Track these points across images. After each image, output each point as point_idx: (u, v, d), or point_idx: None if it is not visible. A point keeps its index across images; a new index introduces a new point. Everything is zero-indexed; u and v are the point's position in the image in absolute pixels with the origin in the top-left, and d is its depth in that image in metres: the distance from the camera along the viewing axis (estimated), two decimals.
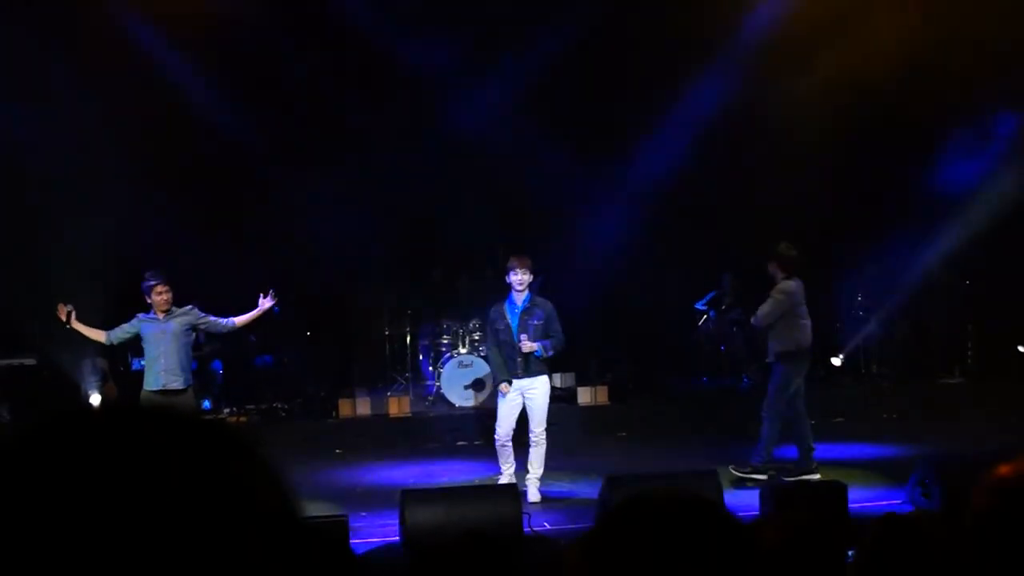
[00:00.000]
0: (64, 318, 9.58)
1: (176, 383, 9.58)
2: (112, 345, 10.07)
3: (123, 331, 9.79)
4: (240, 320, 10.03)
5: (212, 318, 9.92)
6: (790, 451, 10.48)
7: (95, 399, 12.49)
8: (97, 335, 9.80)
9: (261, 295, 10.02)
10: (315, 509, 9.04)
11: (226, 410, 13.65)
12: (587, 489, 9.92)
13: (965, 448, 10.52)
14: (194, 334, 10.09)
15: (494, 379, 10.66)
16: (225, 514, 0.99)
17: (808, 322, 10.29)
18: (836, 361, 14.64)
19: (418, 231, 15.59)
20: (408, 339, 14.66)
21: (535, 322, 9.69)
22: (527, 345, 9.61)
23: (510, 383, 9.76)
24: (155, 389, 9.56)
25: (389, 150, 15.03)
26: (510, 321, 9.76)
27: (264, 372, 14.42)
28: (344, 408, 13.59)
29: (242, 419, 13.40)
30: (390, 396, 13.97)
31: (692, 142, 14.99)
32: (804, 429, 10.29)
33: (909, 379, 15.01)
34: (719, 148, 15.16)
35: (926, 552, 2.71)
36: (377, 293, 14.87)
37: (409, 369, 14.60)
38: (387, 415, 13.62)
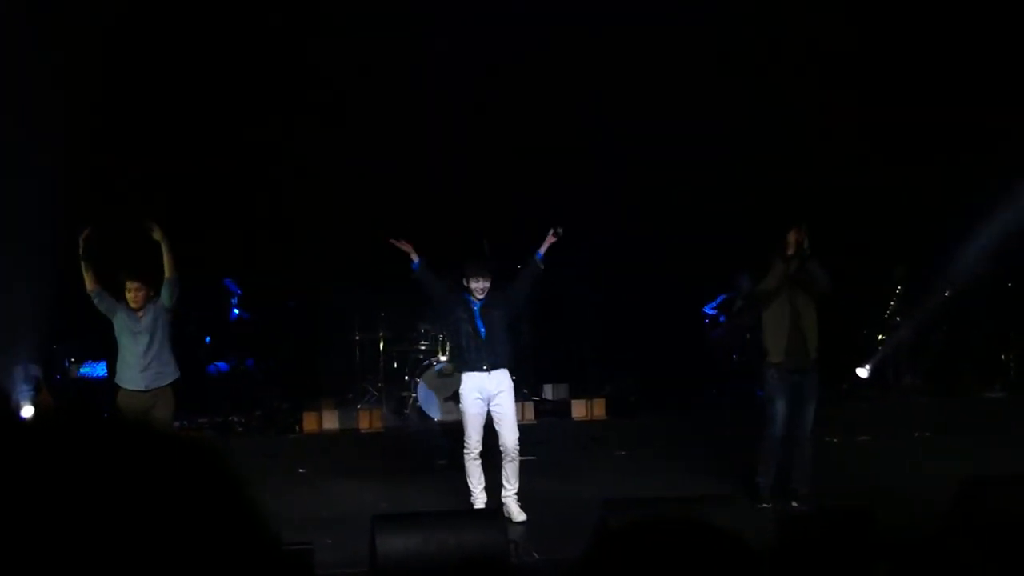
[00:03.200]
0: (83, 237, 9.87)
1: (160, 381, 10.09)
2: (92, 298, 10.10)
3: (106, 300, 10.05)
4: (167, 270, 10.07)
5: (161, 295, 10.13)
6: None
7: (27, 410, 12.42)
8: (88, 277, 9.98)
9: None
10: None
11: (175, 423, 13.58)
12: (581, 515, 9.86)
13: (1008, 470, 10.50)
14: (169, 316, 10.26)
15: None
16: (186, 540, 1.00)
17: None
18: (862, 372, 14.64)
19: (394, 222, 15.52)
20: (381, 345, 14.65)
21: (499, 311, 10.10)
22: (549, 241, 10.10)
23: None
24: (136, 389, 9.97)
25: (361, 120, 15.03)
26: (474, 309, 10.13)
27: (218, 380, 14.37)
28: (309, 422, 13.56)
29: (192, 434, 13.31)
30: (360, 409, 13.97)
31: (705, 130, 15.02)
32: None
33: (945, 393, 15.01)
34: (735, 134, 15.16)
35: None
36: (346, 292, 14.83)
37: (382, 379, 14.59)
38: (357, 430, 13.60)
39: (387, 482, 11.98)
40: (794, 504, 10.27)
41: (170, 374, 10.16)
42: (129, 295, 9.95)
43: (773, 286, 10.36)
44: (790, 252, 10.26)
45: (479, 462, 10.10)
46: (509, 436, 10.03)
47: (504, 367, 10.14)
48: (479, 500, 10.09)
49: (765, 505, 10.33)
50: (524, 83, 14.84)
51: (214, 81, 14.40)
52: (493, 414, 10.09)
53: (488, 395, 10.05)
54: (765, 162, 15.06)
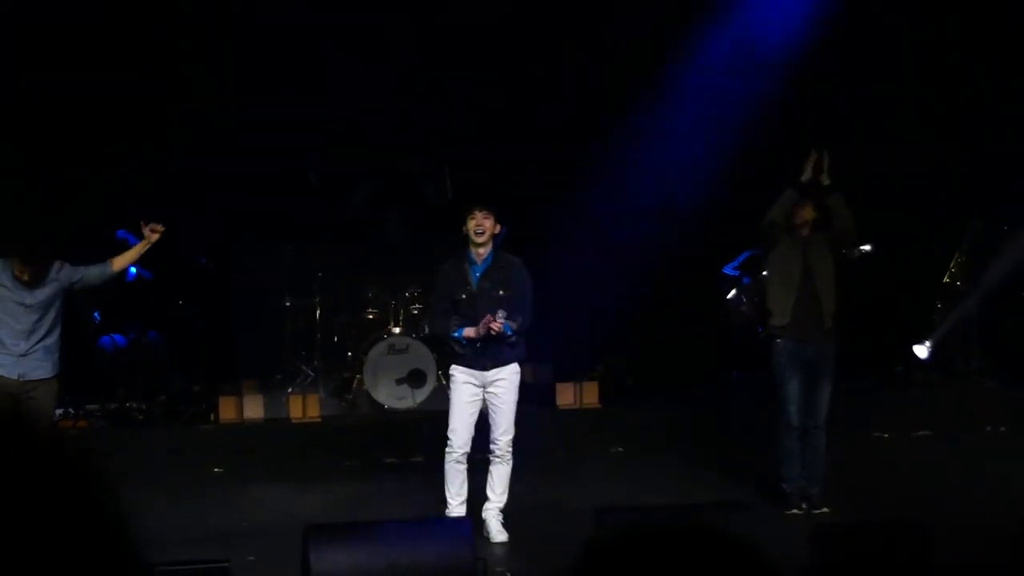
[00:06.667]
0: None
1: (40, 371, 9.80)
2: None
3: None
4: (118, 262, 10.26)
5: (84, 269, 10.06)
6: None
7: None
8: None
9: (143, 224, 10.23)
10: (185, 552, 8.98)
11: (58, 411, 13.51)
12: (567, 526, 9.91)
13: None
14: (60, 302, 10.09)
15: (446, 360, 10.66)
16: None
17: None
18: (921, 351, 14.62)
19: (332, 151, 15.40)
20: (318, 313, 14.65)
21: (500, 292, 9.94)
22: (496, 324, 9.71)
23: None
24: (8, 377, 9.67)
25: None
26: (473, 286, 10.01)
27: (113, 357, 14.23)
28: (226, 409, 13.54)
29: (81, 424, 13.33)
30: (291, 393, 13.95)
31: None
32: None
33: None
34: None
35: None
36: (273, 248, 14.87)
37: (319, 356, 14.59)
38: (287, 419, 13.60)
39: (324, 485, 12.02)
40: (825, 510, 10.41)
41: (53, 366, 9.99)
42: (20, 271, 9.65)
43: (777, 217, 10.42)
44: (804, 178, 10.36)
45: (464, 466, 10.09)
46: (503, 433, 10.08)
47: (511, 363, 10.14)
48: (454, 514, 9.99)
49: (795, 511, 10.47)
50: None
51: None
52: (489, 401, 10.12)
53: (485, 381, 10.07)
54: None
